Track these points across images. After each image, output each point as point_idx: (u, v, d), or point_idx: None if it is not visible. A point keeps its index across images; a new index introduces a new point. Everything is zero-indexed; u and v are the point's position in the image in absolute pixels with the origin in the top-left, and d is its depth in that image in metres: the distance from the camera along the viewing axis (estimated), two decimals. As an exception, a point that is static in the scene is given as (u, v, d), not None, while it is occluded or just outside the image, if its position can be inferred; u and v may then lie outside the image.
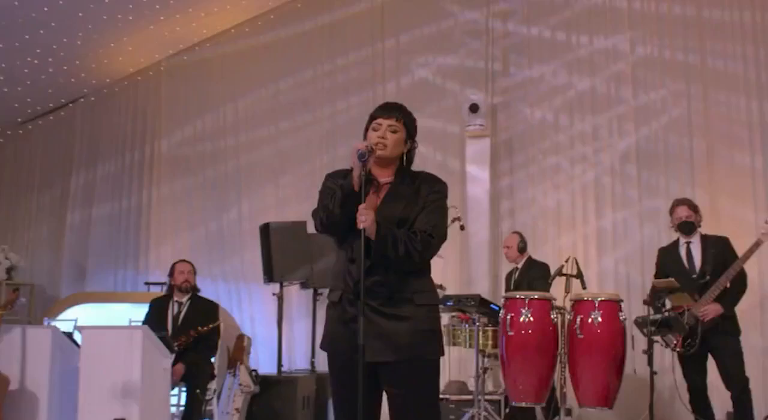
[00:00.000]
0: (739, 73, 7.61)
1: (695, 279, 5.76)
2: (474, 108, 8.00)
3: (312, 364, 7.95)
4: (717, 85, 7.67)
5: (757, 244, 5.54)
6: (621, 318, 5.58)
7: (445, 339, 6.28)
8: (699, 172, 7.51)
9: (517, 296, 5.77)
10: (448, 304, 6.12)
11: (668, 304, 5.74)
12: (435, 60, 8.69)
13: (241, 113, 9.31)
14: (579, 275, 5.77)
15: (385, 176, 3.19)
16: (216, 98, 9.38)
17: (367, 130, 3.23)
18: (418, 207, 3.13)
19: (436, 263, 3.24)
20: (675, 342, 5.58)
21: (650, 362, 5.38)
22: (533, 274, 6.71)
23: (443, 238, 3.15)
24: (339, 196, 3.03)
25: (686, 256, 5.90)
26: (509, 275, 7.07)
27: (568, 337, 5.56)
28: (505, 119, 8.38)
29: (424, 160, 7.94)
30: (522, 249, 6.93)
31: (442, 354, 3.14)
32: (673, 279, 5.57)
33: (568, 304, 5.72)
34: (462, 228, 6.90)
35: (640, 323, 5.52)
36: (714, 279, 5.62)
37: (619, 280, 7.53)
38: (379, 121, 3.16)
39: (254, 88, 9.30)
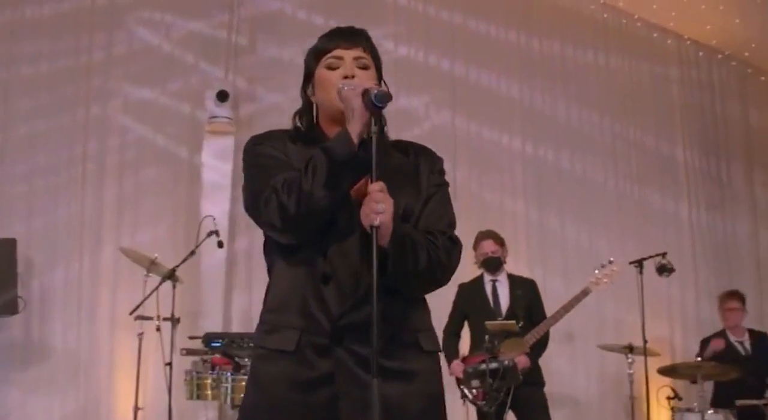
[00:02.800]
0: (502, 92, 7.37)
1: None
2: (222, 96, 6.48)
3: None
4: (482, 101, 7.32)
5: (584, 293, 5.11)
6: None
7: (185, 391, 5.02)
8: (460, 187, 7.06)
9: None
10: (214, 345, 4.93)
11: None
12: (163, 20, 7.01)
13: None
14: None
15: None
16: None
17: (309, 74, 2.12)
18: (422, 195, 2.08)
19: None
20: (476, 394, 4.96)
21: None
22: None
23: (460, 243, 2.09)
24: (325, 167, 1.86)
25: (492, 296, 5.32)
26: None
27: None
28: (251, 106, 7.07)
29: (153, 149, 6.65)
30: None
31: None
32: (512, 321, 4.93)
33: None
34: (220, 245, 5.62)
35: (471, 373, 4.82)
36: (527, 324, 5.08)
37: None
38: (339, 52, 2.07)
39: None
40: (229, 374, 4.84)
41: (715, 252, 7.51)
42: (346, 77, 2.02)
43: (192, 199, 6.62)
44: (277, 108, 6.54)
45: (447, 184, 2.16)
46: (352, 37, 2.10)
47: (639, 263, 5.55)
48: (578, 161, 7.38)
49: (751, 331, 6.29)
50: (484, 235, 5.39)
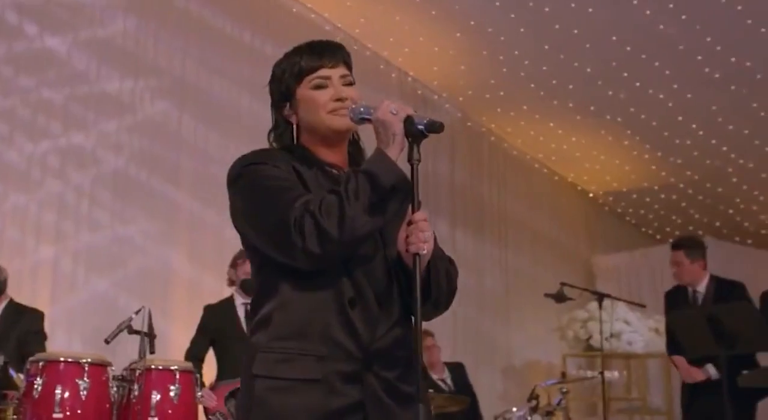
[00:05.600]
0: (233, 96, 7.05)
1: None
2: None
3: None
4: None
5: None
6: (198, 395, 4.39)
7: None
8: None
9: (69, 359, 4.05)
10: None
11: None
12: None
13: None
14: (150, 333, 4.32)
15: (341, 164, 2.03)
16: None
17: (288, 93, 2.02)
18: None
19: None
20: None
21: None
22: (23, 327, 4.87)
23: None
24: (368, 192, 1.79)
25: (245, 319, 4.98)
26: None
27: (137, 420, 4.10)
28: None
29: None
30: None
31: None
32: None
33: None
34: None
35: None
36: None
37: (111, 309, 6.03)
38: (325, 72, 2.01)
39: None
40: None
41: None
42: (340, 99, 1.98)
43: None
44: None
45: None
46: (334, 55, 2.03)
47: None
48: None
49: (447, 364, 6.56)
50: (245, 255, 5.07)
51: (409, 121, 1.83)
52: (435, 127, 1.82)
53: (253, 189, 1.91)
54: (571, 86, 7.50)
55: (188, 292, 6.39)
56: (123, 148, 6.46)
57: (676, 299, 5.36)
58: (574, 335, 7.54)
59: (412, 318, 1.86)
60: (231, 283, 5.11)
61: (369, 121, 1.91)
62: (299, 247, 1.78)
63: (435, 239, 1.97)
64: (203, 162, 6.84)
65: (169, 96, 6.79)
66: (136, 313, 4.29)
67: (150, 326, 4.21)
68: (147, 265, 6.36)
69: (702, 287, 5.21)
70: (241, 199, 1.95)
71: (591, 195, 9.34)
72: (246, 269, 5.03)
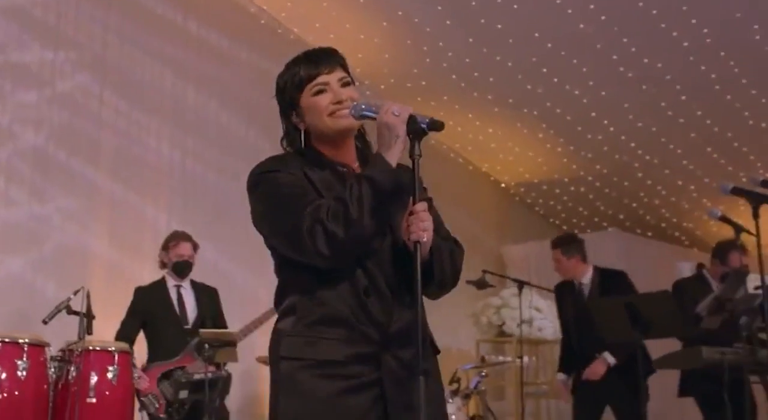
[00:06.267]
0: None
1: (187, 330, 4.90)
2: None
3: None
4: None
5: (272, 311, 5.02)
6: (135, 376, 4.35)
7: None
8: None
9: (7, 339, 3.95)
10: None
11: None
12: None
13: None
14: (89, 314, 4.25)
15: (350, 161, 2.21)
16: None
17: (293, 103, 2.18)
18: None
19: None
20: (158, 406, 4.63)
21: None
22: None
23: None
24: (370, 197, 1.98)
25: (177, 302, 4.99)
26: None
27: (74, 402, 4.04)
28: None
29: None
30: None
31: None
32: (230, 330, 4.58)
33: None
34: None
35: (183, 384, 4.41)
36: None
37: (28, 290, 5.83)
38: (323, 79, 2.16)
39: None
40: None
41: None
42: (339, 102, 2.13)
43: None
44: None
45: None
46: (330, 61, 2.18)
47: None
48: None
49: None
50: (181, 237, 5.04)
51: (412, 120, 1.98)
52: (436, 126, 1.98)
53: (269, 196, 2.09)
54: (491, 79, 7.70)
55: (107, 273, 6.28)
56: (42, 124, 6.28)
57: (563, 291, 5.66)
58: (487, 321, 7.78)
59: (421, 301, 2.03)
60: (163, 265, 5.08)
61: (370, 118, 2.05)
62: (311, 250, 1.98)
63: (441, 221, 2.19)
64: (125, 141, 6.72)
65: (90, 71, 6.63)
66: (75, 293, 4.23)
67: (88, 307, 4.16)
68: (65, 245, 6.22)
69: (587, 279, 5.48)
70: (260, 206, 2.13)
71: (503, 185, 9.61)
72: (178, 252, 5.01)
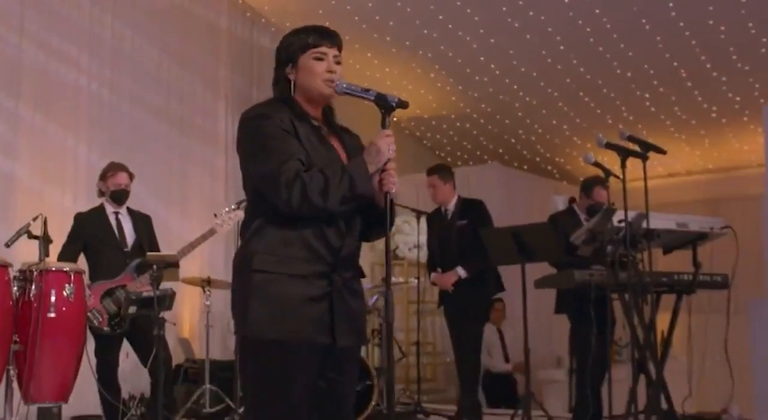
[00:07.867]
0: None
1: (127, 253, 5.39)
2: None
3: None
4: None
5: (211, 232, 5.51)
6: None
7: None
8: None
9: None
10: None
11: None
12: None
13: None
14: (46, 238, 4.68)
15: (318, 117, 2.66)
16: None
17: (293, 58, 2.59)
18: None
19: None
20: (101, 320, 5.15)
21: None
22: None
23: None
24: (348, 192, 2.42)
25: (117, 227, 5.44)
26: None
27: (36, 317, 4.51)
28: None
29: None
30: None
31: None
32: (173, 253, 5.08)
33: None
34: None
35: (133, 300, 4.92)
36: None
37: None
38: (324, 49, 2.59)
39: None
40: None
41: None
42: (330, 71, 2.56)
43: None
44: None
45: None
46: (333, 38, 2.61)
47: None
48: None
49: None
50: (118, 167, 5.46)
51: (383, 99, 2.47)
52: (402, 104, 2.48)
53: (255, 138, 2.49)
54: (391, 23, 8.28)
55: (30, 201, 6.49)
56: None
57: (434, 218, 6.44)
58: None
59: (364, 234, 2.60)
60: (101, 193, 5.46)
61: (349, 95, 2.53)
62: (283, 198, 2.40)
63: None
64: (45, 71, 6.92)
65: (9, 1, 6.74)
66: (34, 220, 4.65)
67: (45, 232, 4.60)
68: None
69: (452, 206, 6.25)
70: (245, 144, 2.54)
71: (395, 119, 10.29)
72: (116, 181, 5.43)
